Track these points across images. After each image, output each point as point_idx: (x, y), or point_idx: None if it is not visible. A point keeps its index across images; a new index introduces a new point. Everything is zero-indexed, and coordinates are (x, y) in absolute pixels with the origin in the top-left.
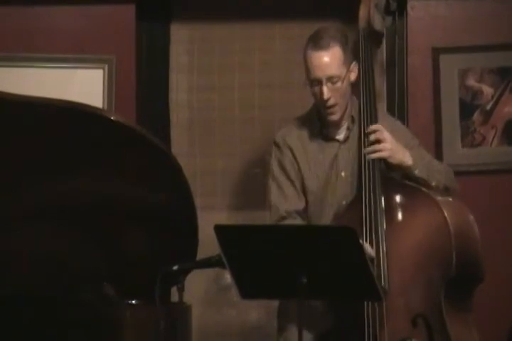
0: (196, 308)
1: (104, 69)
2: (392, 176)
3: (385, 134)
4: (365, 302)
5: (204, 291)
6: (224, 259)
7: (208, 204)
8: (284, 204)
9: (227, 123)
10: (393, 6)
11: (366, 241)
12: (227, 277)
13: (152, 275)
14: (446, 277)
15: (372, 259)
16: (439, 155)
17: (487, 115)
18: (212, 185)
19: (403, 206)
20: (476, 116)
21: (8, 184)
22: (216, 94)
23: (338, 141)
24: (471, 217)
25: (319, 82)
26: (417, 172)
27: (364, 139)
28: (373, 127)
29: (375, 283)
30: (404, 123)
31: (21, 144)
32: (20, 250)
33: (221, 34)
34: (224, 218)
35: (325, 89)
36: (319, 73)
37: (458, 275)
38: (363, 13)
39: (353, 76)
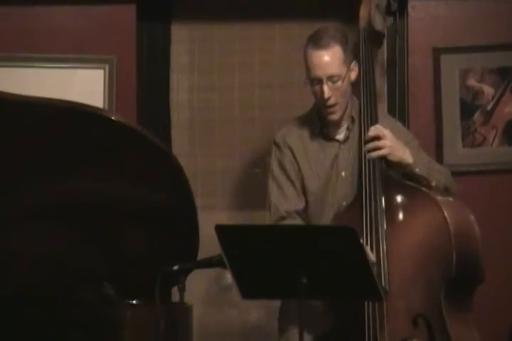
0: (197, 308)
1: (104, 69)
2: (392, 176)
3: (386, 132)
4: (366, 303)
5: (205, 291)
6: (225, 259)
7: (208, 204)
8: (284, 204)
9: (227, 123)
10: (394, 6)
11: (366, 241)
12: (228, 277)
13: (152, 275)
14: (446, 277)
15: (372, 264)
16: (439, 155)
17: (488, 115)
18: (213, 185)
19: (403, 206)
20: (477, 116)
21: (8, 184)
22: (216, 94)
23: (338, 141)
24: (472, 217)
25: (320, 81)
26: (417, 170)
27: (364, 139)
28: (373, 128)
29: (376, 283)
30: (404, 124)
31: (21, 144)
32: (20, 250)
33: (221, 34)
34: (224, 218)
35: (326, 88)
36: (320, 72)
37: (458, 276)
38: (363, 13)
39: (353, 75)
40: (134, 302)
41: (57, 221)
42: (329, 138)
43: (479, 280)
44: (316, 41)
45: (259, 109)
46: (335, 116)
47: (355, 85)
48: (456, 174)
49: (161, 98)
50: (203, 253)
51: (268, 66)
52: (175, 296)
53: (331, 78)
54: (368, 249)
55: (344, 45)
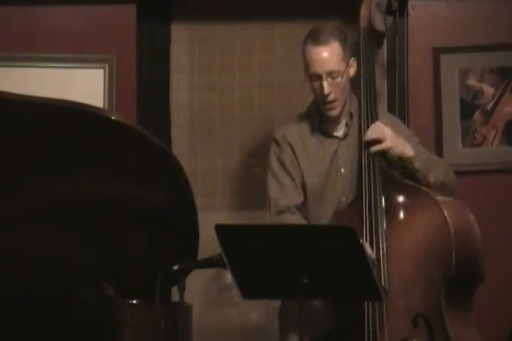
0: (197, 308)
1: (104, 69)
2: (392, 175)
3: (386, 130)
4: (366, 303)
5: (205, 291)
6: (225, 259)
7: (208, 204)
8: (284, 199)
9: (227, 123)
10: (394, 5)
11: (366, 240)
12: (228, 277)
13: (152, 275)
14: (446, 277)
15: (373, 261)
16: (439, 155)
17: (488, 115)
18: (213, 185)
19: (403, 206)
20: (477, 115)
21: (8, 184)
22: (216, 94)
23: (337, 137)
24: (472, 217)
25: (319, 77)
26: (416, 164)
27: (364, 139)
28: (373, 126)
29: (376, 283)
30: (404, 123)
31: (21, 144)
32: (20, 250)
33: (221, 34)
34: (224, 218)
35: (325, 84)
36: (319, 68)
37: (458, 276)
38: (364, 12)
39: (352, 71)
40: (134, 302)
41: (57, 221)
42: (328, 134)
43: (479, 281)
44: (315, 37)
45: (259, 109)
46: (334, 112)
47: (353, 81)
48: (456, 174)
49: (161, 98)
50: (203, 253)
51: (268, 66)
52: (175, 296)
53: (330, 74)
54: (367, 246)
55: (342, 41)
